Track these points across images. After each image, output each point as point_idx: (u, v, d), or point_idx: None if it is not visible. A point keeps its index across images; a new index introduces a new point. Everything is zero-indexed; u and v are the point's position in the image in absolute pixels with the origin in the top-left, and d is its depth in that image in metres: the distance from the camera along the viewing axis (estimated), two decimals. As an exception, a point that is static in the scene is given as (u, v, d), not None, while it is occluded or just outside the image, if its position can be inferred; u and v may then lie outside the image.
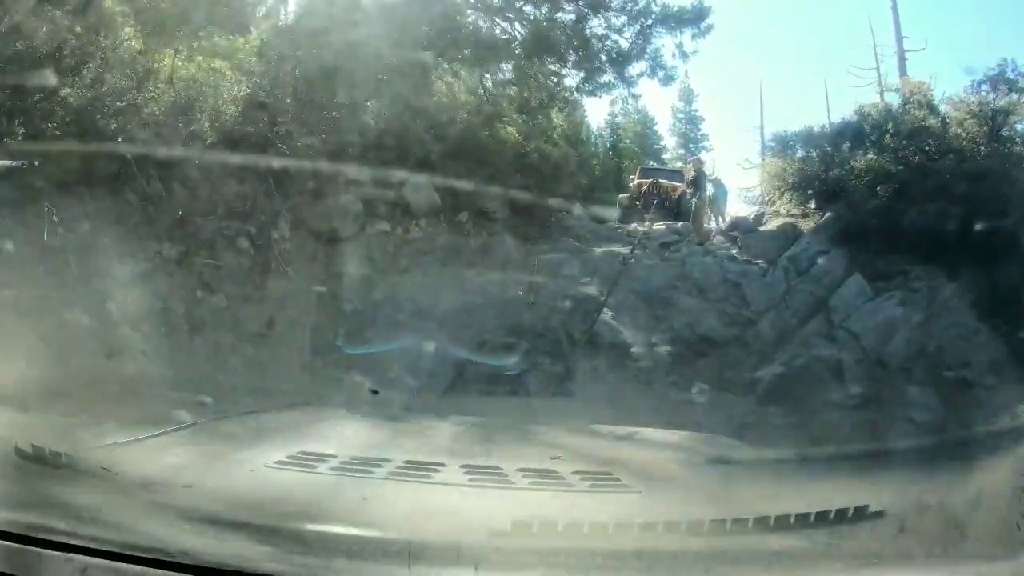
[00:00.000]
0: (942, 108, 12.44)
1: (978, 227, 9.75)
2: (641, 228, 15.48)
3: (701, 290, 11.04)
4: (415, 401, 8.01)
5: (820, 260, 11.51)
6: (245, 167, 9.48)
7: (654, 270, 11.99)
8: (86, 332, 7.15)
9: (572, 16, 14.04)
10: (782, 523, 3.42)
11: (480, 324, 9.71)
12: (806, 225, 13.77)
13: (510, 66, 14.62)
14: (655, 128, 32.98)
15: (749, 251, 13.24)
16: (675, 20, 13.59)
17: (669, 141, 33.44)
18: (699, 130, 32.79)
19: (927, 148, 11.64)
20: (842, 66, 42.15)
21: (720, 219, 17.44)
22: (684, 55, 14.06)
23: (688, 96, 31.76)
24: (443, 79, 14.72)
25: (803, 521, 3.44)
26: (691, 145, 31.91)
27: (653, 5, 13.60)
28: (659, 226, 15.63)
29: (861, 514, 3.52)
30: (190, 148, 9.14)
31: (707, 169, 17.88)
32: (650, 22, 13.65)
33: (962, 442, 6.98)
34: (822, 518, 3.46)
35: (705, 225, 15.99)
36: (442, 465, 4.77)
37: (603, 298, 10.43)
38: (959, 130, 11.76)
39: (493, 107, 14.58)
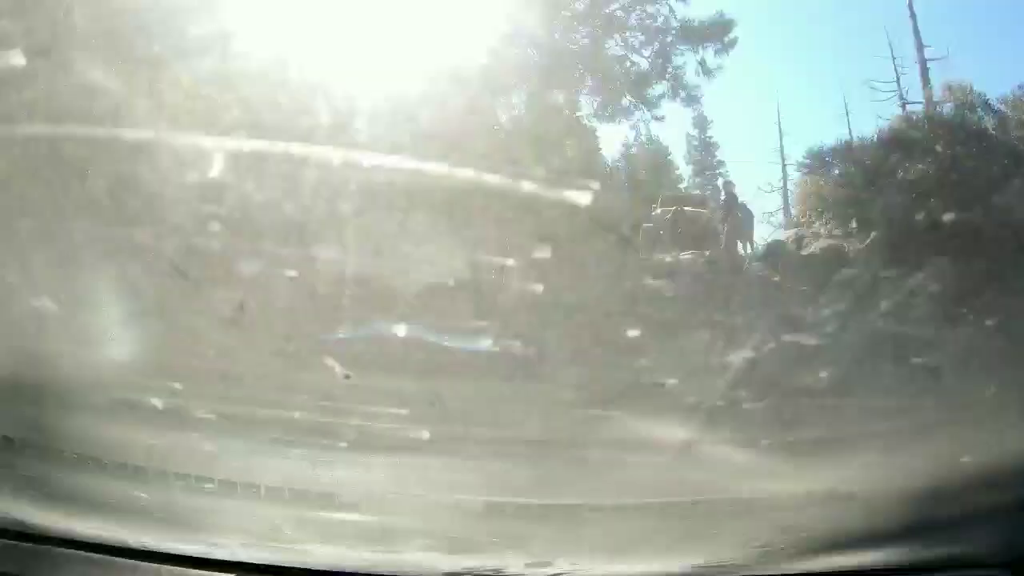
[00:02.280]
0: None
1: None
2: (668, 259, 14.67)
3: (752, 323, 9.95)
4: (389, 384, 7.44)
5: (879, 284, 10.41)
6: (214, 151, 8.87)
7: (693, 301, 11.01)
8: (51, 317, 6.73)
9: (587, 40, 13.33)
10: (754, 507, 3.62)
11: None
12: (852, 246, 12.78)
13: (523, 95, 13.89)
14: (670, 157, 32.16)
15: (792, 278, 12.25)
16: (697, 35, 12.81)
17: (684, 170, 32.57)
18: (715, 156, 31.90)
19: (986, 154, 10.64)
20: (856, 82, 41.23)
21: (748, 245, 16.62)
22: (708, 72, 13.27)
23: (702, 123, 30.94)
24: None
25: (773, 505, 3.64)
26: (707, 172, 30.99)
27: (673, 20, 12.85)
28: (687, 255, 14.80)
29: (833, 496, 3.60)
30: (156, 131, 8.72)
31: (736, 192, 17.05)
32: (670, 39, 12.89)
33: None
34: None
35: (739, 252, 15.17)
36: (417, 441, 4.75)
37: (645, 338, 9.41)
38: (1022, 132, 10.77)
39: (508, 140, 13.77)
